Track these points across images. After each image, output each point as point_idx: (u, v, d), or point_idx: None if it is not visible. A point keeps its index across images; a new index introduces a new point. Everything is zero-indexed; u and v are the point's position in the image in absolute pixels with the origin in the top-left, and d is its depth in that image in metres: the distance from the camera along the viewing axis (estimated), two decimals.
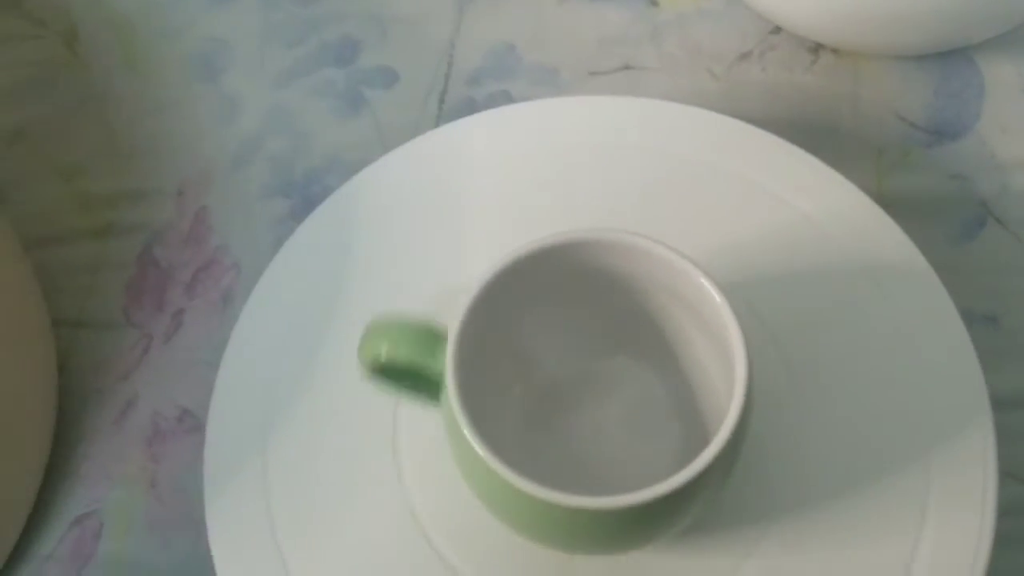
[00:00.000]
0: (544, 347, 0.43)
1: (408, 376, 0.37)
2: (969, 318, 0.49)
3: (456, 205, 0.47)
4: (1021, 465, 0.47)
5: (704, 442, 0.35)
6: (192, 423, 0.48)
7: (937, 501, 0.41)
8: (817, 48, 0.57)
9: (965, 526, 0.40)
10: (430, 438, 0.40)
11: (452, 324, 0.37)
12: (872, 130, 0.54)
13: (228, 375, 0.44)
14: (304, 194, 0.53)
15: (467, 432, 0.35)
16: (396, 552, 0.40)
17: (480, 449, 0.35)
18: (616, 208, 0.47)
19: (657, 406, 0.42)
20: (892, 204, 0.51)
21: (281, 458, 0.43)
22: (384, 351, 0.37)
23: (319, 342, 0.45)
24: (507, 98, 0.55)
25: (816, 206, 0.47)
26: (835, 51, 0.56)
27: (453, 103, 0.55)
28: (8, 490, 0.46)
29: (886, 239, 0.46)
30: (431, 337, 0.36)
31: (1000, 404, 0.47)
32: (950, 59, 0.56)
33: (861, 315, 0.45)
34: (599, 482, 0.35)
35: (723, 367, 0.37)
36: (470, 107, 0.55)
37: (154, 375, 0.49)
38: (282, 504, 0.42)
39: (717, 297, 0.37)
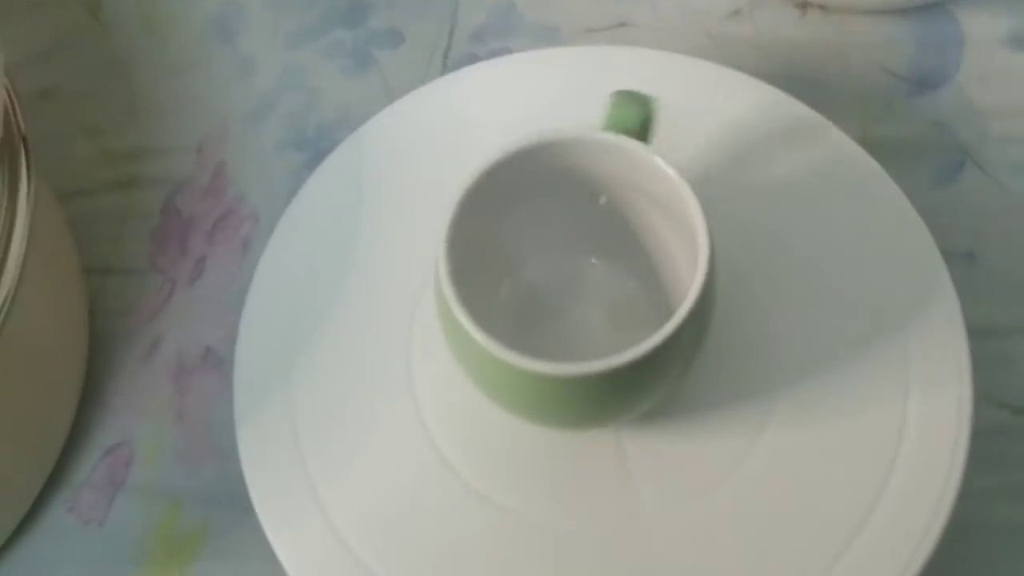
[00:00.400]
0: (526, 252, 0.45)
1: None
2: (948, 256, 0.51)
3: (459, 147, 0.49)
4: (995, 389, 0.49)
5: None
6: (215, 359, 0.50)
7: (918, 375, 0.43)
8: (805, 5, 0.59)
9: (946, 396, 0.43)
10: (442, 362, 0.42)
11: (441, 221, 0.39)
12: (858, 82, 0.56)
13: (254, 307, 0.46)
14: (317, 147, 0.55)
15: (455, 310, 0.37)
16: (411, 467, 0.43)
17: (467, 324, 0.37)
18: None
19: (635, 304, 0.44)
20: (877, 150, 0.53)
21: (305, 384, 0.45)
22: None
23: (337, 277, 0.47)
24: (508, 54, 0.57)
25: (803, 149, 0.49)
26: (822, 7, 0.58)
27: (457, 60, 0.57)
28: (45, 422, 0.48)
29: (870, 179, 0.48)
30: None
31: (976, 334, 0.49)
32: (931, 13, 0.58)
33: (843, 246, 0.47)
34: None
35: (693, 260, 0.39)
36: (473, 63, 0.57)
37: (179, 316, 0.52)
38: (307, 426, 0.44)
39: (675, 177, 0.39)
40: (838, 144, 0.49)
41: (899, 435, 0.42)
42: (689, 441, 0.43)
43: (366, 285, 0.46)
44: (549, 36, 0.58)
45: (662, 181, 0.40)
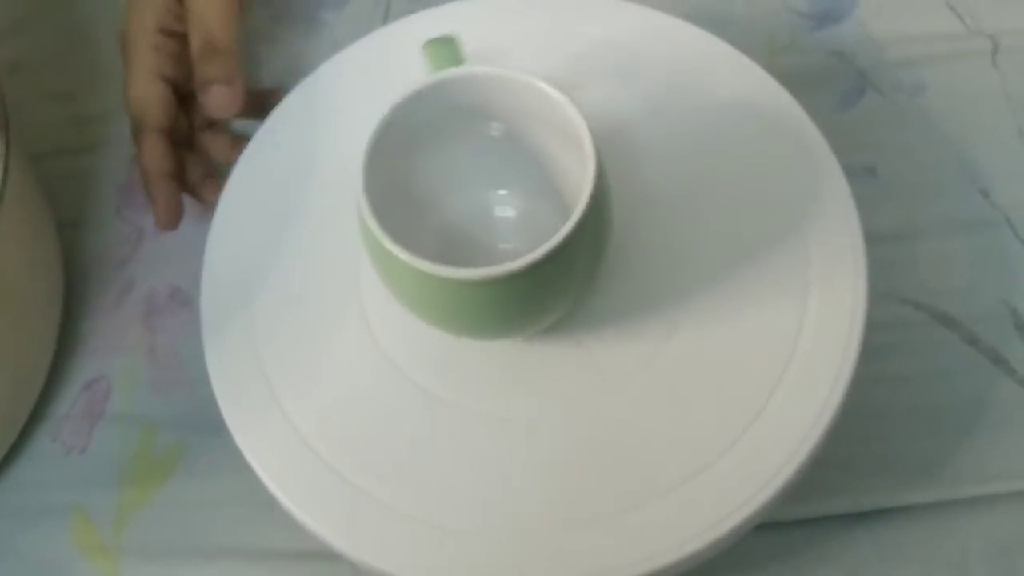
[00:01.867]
0: (441, 192, 0.46)
1: None
2: (851, 170, 0.53)
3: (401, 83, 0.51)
4: (898, 288, 0.51)
5: None
6: (182, 298, 0.52)
7: (817, 277, 0.45)
8: None
9: (842, 297, 0.44)
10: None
11: (358, 157, 0.40)
12: (762, 20, 0.59)
13: (216, 240, 0.48)
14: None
15: (371, 224, 0.39)
16: (363, 371, 0.45)
17: (385, 241, 0.39)
18: None
19: (545, 230, 0.45)
20: (783, 80, 0.56)
21: (266, 305, 0.46)
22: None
23: (291, 211, 0.48)
24: None
25: (714, 77, 0.50)
26: None
27: (398, 17, 0.59)
28: (26, 362, 0.50)
29: (773, 99, 0.49)
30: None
31: (881, 239, 0.51)
32: None
33: (749, 162, 0.48)
34: None
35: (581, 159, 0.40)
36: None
37: (147, 261, 0.54)
38: (269, 346, 0.46)
39: (559, 97, 0.40)
40: (746, 72, 0.51)
41: (799, 326, 0.44)
42: (604, 341, 0.44)
43: (317, 218, 0.48)
44: None
45: (549, 104, 0.41)
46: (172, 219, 0.50)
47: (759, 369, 0.43)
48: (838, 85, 0.57)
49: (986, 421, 0.49)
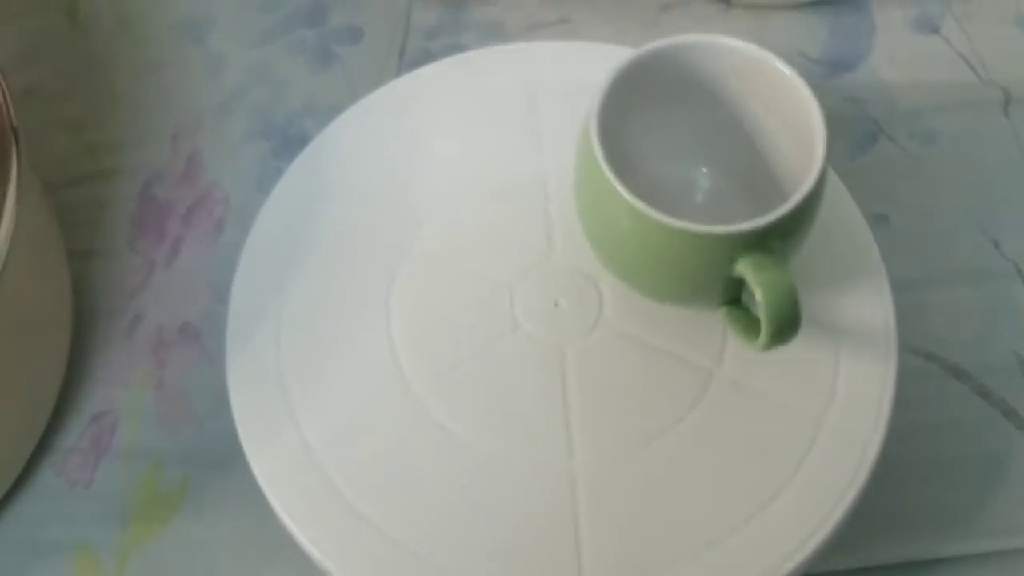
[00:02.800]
0: (646, 155, 0.45)
1: None
2: (864, 218, 0.53)
3: (419, 140, 0.50)
4: (909, 338, 0.50)
5: None
6: (191, 332, 0.51)
7: (847, 355, 0.44)
8: (728, 1, 0.60)
9: (871, 375, 0.44)
10: (415, 303, 0.44)
11: (591, 107, 0.41)
12: None
13: (244, 273, 0.47)
14: (284, 136, 0.56)
15: (602, 163, 0.39)
16: (384, 398, 0.44)
17: (616, 184, 0.39)
18: (561, 139, 0.49)
19: (735, 212, 0.45)
20: None
21: (291, 328, 0.45)
22: None
23: (320, 242, 0.48)
24: (460, 49, 0.58)
25: None
26: (744, 6, 0.60)
27: (412, 55, 0.58)
28: (33, 392, 0.49)
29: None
30: None
31: (892, 288, 0.51)
32: (844, 7, 0.60)
33: None
34: None
35: (802, 158, 0.41)
36: (427, 57, 0.58)
37: (157, 294, 0.52)
38: (291, 360, 0.45)
39: (792, 76, 0.42)
40: None
41: (832, 390, 0.43)
42: (631, 395, 0.44)
43: (346, 248, 0.47)
44: (496, 31, 0.59)
45: (777, 80, 0.42)
46: None
47: (787, 435, 0.42)
48: (851, 132, 0.56)
49: (997, 474, 0.48)
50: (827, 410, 0.43)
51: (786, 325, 0.39)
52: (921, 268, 0.52)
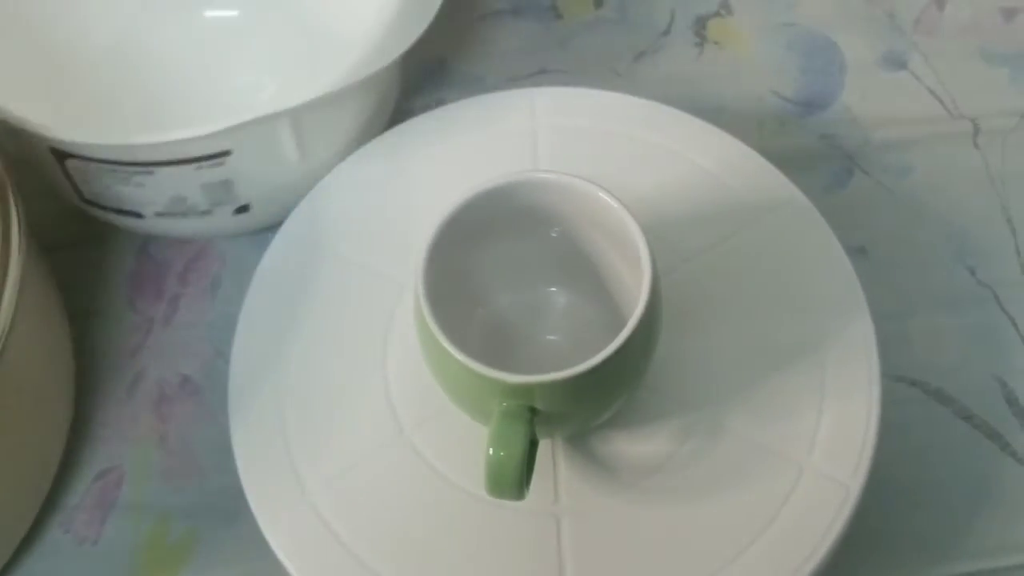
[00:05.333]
0: (493, 285, 0.46)
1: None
2: (844, 251, 0.53)
3: (412, 188, 0.51)
4: (891, 366, 0.51)
5: None
6: (192, 388, 0.52)
7: (831, 397, 0.45)
8: (702, 43, 0.61)
9: (855, 417, 0.44)
10: (412, 360, 0.44)
11: (418, 253, 0.40)
12: (752, 106, 0.59)
13: (244, 332, 0.48)
14: None
15: (432, 324, 0.39)
16: (382, 447, 0.44)
17: (442, 339, 0.38)
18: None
19: (594, 327, 0.45)
20: (775, 164, 0.56)
21: (293, 395, 0.46)
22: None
23: (316, 305, 0.48)
24: (443, 103, 0.59)
25: (715, 162, 0.51)
26: (716, 43, 0.61)
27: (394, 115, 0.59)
28: (38, 452, 0.49)
29: (774, 184, 0.50)
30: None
31: (873, 318, 0.51)
32: (815, 42, 0.61)
33: (758, 245, 0.48)
34: None
35: (638, 279, 0.40)
36: (410, 115, 0.58)
37: (157, 351, 0.53)
38: (292, 412, 0.45)
39: (620, 209, 0.40)
40: (741, 154, 0.51)
41: (814, 435, 0.44)
42: (631, 444, 0.44)
43: (342, 299, 0.48)
44: (476, 85, 0.60)
45: (609, 213, 0.41)
46: None
47: (770, 478, 0.43)
48: (827, 168, 0.57)
49: (981, 495, 0.48)
50: (810, 454, 0.43)
51: (503, 481, 0.38)
52: (901, 297, 0.53)
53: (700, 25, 0.62)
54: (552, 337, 0.46)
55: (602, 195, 0.41)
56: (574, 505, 0.43)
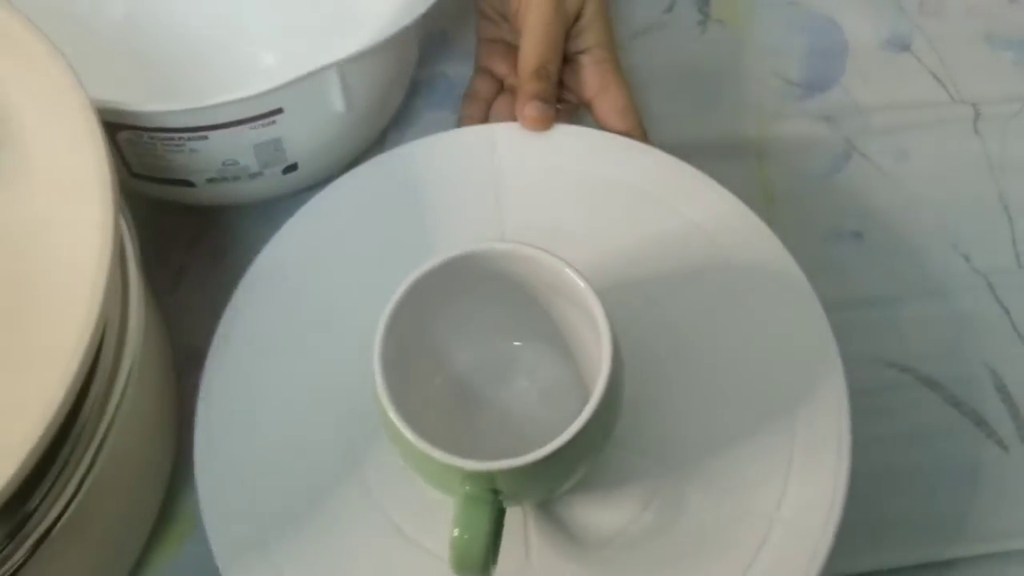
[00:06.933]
0: (457, 343, 0.45)
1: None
2: (839, 235, 0.54)
3: (405, 210, 0.50)
4: (882, 351, 0.51)
5: None
6: (200, 358, 0.51)
7: (801, 455, 0.44)
8: (705, 21, 0.61)
9: (824, 475, 0.43)
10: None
11: (377, 330, 0.39)
12: (753, 87, 0.59)
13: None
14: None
15: (392, 414, 0.38)
16: (365, 538, 0.44)
17: (397, 420, 0.38)
18: (529, 221, 0.49)
19: (556, 387, 0.45)
20: (773, 146, 0.56)
21: (268, 481, 0.45)
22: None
23: (292, 351, 0.47)
24: (444, 77, 0.59)
25: (702, 214, 0.49)
26: (719, 21, 0.61)
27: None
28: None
29: (761, 241, 0.48)
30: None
31: (866, 302, 0.52)
32: (818, 23, 0.60)
33: (739, 303, 0.47)
34: (511, 449, 0.38)
35: (599, 350, 0.39)
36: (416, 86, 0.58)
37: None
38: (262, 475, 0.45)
39: (583, 285, 0.40)
40: (729, 207, 0.49)
41: (779, 504, 0.43)
42: (588, 512, 0.43)
43: (310, 361, 0.47)
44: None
45: (573, 287, 0.40)
46: None
47: (735, 544, 0.42)
48: (826, 151, 0.57)
49: (969, 480, 0.49)
50: (779, 507, 0.43)
51: (468, 562, 0.38)
52: (895, 283, 0.53)
53: (704, 2, 0.62)
54: (517, 389, 0.45)
55: (568, 271, 0.40)
56: (544, 568, 0.42)
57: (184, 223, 0.55)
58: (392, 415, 0.38)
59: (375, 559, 0.43)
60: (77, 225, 0.42)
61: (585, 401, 0.39)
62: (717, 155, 0.54)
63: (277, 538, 0.43)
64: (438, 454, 0.37)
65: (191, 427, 0.47)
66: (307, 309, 0.48)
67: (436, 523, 0.42)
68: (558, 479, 0.40)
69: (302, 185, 0.53)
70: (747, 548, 0.42)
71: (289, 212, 0.51)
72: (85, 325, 0.38)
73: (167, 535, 0.48)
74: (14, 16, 0.43)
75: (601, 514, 0.43)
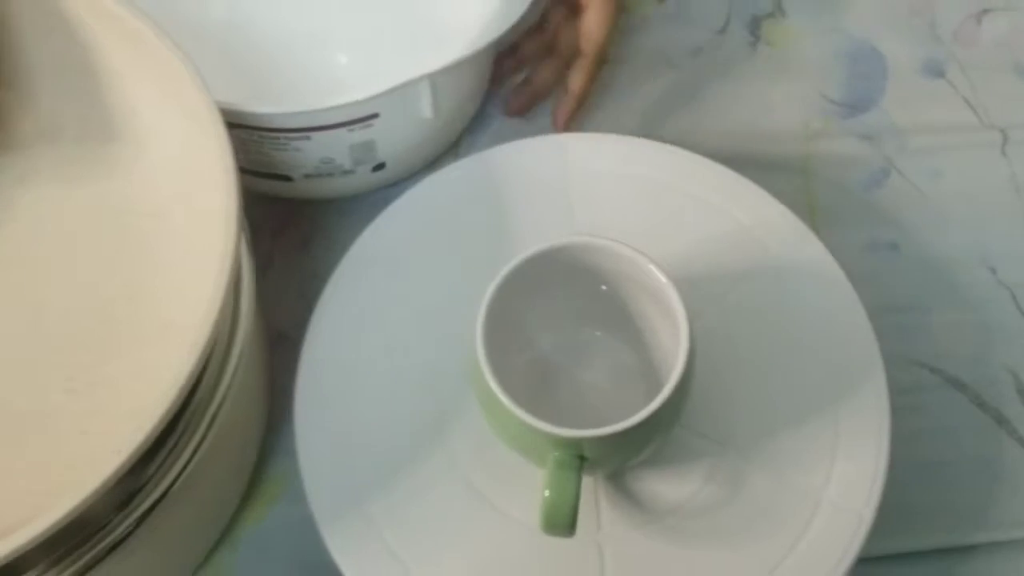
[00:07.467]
0: (541, 329, 0.49)
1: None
2: (876, 245, 0.58)
3: (499, 205, 0.55)
4: (915, 353, 0.55)
5: None
6: (288, 342, 0.55)
7: (845, 441, 0.48)
8: (756, 42, 0.65)
9: (866, 460, 0.48)
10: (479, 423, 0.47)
11: (479, 311, 0.43)
12: (799, 106, 0.63)
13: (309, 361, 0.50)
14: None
15: (491, 383, 0.42)
16: (454, 503, 0.48)
17: (499, 392, 0.42)
18: (597, 222, 0.53)
19: (629, 370, 0.49)
20: (817, 162, 0.60)
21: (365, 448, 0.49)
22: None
23: (393, 327, 0.51)
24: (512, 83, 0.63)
25: (753, 219, 0.53)
26: (768, 44, 0.65)
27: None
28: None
29: (807, 246, 0.52)
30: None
31: (900, 309, 0.56)
32: (860, 48, 0.65)
33: (787, 302, 0.51)
34: (586, 425, 0.42)
35: (673, 339, 0.44)
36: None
37: None
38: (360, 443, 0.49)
39: (665, 281, 0.44)
40: (776, 212, 0.53)
41: (830, 470, 0.47)
42: (657, 484, 0.48)
43: (420, 331, 0.51)
44: None
45: (655, 281, 0.44)
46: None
47: (787, 518, 0.46)
48: (866, 167, 0.61)
49: (989, 474, 0.53)
50: (826, 487, 0.47)
51: (557, 522, 0.42)
52: (927, 290, 0.57)
53: (755, 25, 0.66)
54: (591, 376, 0.49)
55: (651, 267, 0.44)
56: (614, 534, 0.47)
57: (271, 213, 0.59)
58: (493, 387, 0.42)
59: (460, 520, 0.47)
60: (194, 213, 0.46)
61: (651, 386, 0.44)
62: (765, 168, 0.58)
63: (372, 499, 0.47)
64: (535, 422, 0.41)
65: (279, 399, 0.52)
66: (397, 291, 0.52)
67: (514, 489, 0.47)
68: (635, 449, 0.44)
69: (385, 182, 0.58)
70: (797, 523, 0.46)
71: (370, 206, 0.55)
72: (212, 300, 0.41)
73: (255, 500, 0.53)
74: (140, 19, 0.47)
75: (666, 487, 0.47)
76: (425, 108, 0.53)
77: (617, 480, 0.48)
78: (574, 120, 0.60)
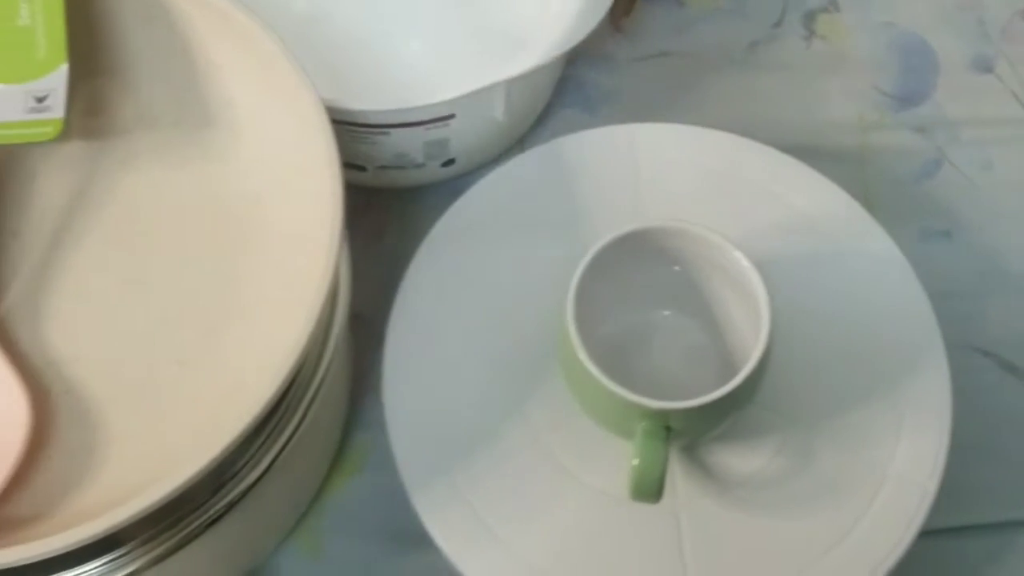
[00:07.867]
0: (617, 306, 0.51)
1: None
2: (929, 233, 0.60)
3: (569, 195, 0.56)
4: (967, 337, 0.58)
5: (733, 375, 0.44)
6: (362, 321, 0.57)
7: (910, 418, 0.50)
8: (810, 36, 0.67)
9: (929, 437, 0.50)
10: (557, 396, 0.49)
11: (570, 287, 0.46)
12: (854, 98, 0.65)
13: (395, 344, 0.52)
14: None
15: (582, 356, 0.45)
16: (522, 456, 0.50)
17: (590, 365, 0.44)
18: (664, 209, 0.55)
19: (700, 349, 0.51)
20: (871, 152, 0.62)
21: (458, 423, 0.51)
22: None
23: (473, 304, 0.53)
24: (572, 80, 0.65)
25: (813, 206, 0.55)
26: (823, 38, 0.67)
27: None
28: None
29: (867, 231, 0.54)
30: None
31: (952, 295, 0.58)
32: (911, 43, 0.67)
33: (850, 284, 0.53)
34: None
35: (749, 319, 0.46)
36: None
37: None
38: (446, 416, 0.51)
39: (747, 265, 0.46)
40: (836, 197, 0.55)
41: (895, 445, 0.50)
42: (729, 456, 0.50)
43: (499, 317, 0.53)
44: (606, 63, 0.66)
45: (736, 265, 0.46)
46: None
47: (854, 491, 0.49)
48: (919, 158, 0.63)
49: None
50: (891, 462, 0.49)
51: (645, 488, 0.44)
52: (980, 277, 0.59)
53: (809, 19, 0.68)
54: (661, 353, 0.51)
55: (736, 253, 0.46)
56: (689, 504, 0.49)
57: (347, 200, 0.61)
58: (583, 358, 0.45)
59: (541, 488, 0.49)
60: (292, 198, 0.48)
61: (722, 364, 0.47)
62: (821, 159, 0.58)
63: (457, 468, 0.50)
64: (627, 394, 0.44)
65: (359, 378, 0.54)
66: (475, 273, 0.54)
67: (592, 460, 0.49)
68: (715, 422, 0.47)
69: (453, 176, 0.60)
70: (863, 495, 0.48)
71: (438, 196, 0.58)
72: (322, 280, 0.42)
73: (339, 471, 0.55)
74: (240, 11, 0.48)
75: (738, 459, 0.49)
76: (497, 110, 0.55)
77: (691, 453, 0.50)
78: (627, 16, 0.62)
